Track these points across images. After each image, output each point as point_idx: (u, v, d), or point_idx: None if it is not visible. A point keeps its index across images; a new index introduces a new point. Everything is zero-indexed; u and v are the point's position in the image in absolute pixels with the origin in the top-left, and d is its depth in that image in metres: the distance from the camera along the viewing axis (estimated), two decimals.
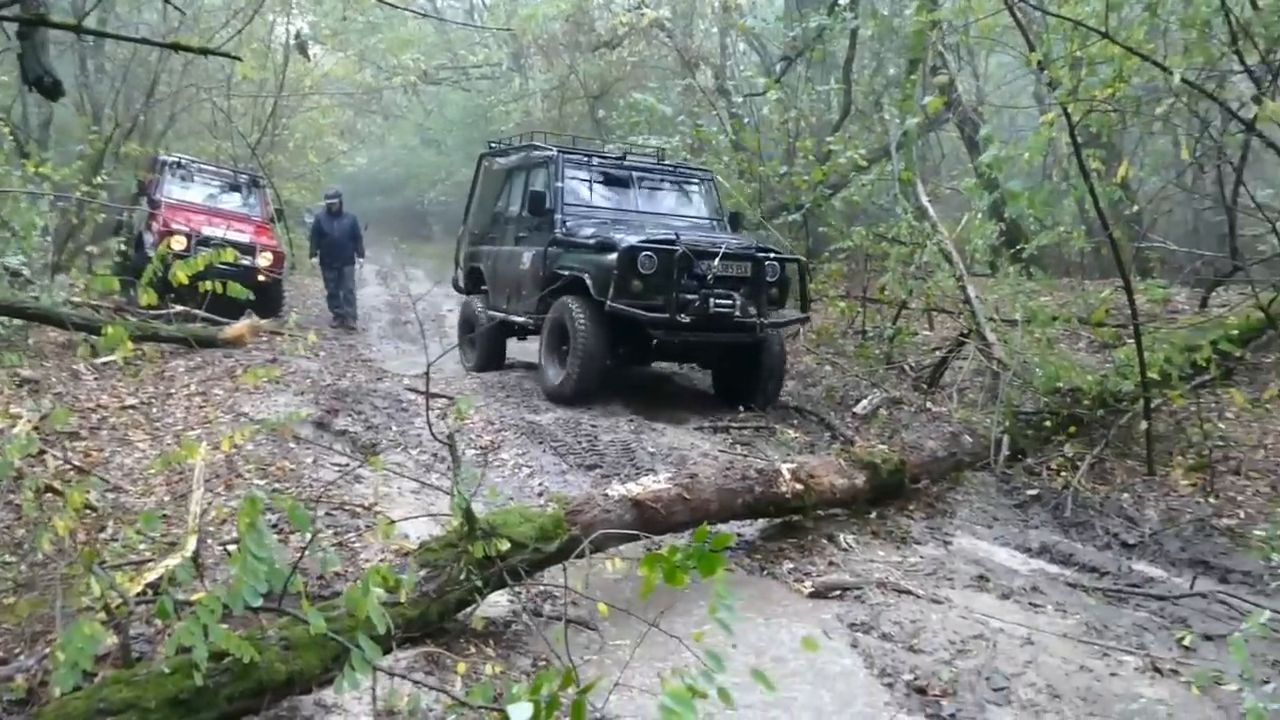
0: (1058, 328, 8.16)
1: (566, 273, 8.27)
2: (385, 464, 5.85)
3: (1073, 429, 6.88)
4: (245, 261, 10.94)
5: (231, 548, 3.60)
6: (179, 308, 9.79)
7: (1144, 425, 6.45)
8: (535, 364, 10.13)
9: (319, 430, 6.85)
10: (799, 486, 5.18)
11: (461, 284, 10.93)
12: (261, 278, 11.20)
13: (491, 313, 9.81)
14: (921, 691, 3.55)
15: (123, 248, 11.64)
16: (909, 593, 4.50)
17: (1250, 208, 8.56)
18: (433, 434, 4.05)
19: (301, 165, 21.81)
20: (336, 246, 12.71)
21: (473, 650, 3.61)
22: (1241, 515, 5.80)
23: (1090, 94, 6.27)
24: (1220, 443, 6.62)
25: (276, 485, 5.43)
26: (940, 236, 8.55)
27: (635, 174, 9.42)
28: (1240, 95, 7.48)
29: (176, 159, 12.94)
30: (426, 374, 3.90)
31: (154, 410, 7.16)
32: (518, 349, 10.42)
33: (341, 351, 10.75)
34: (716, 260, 7.81)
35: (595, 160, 9.35)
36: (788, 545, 5.12)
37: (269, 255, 11.66)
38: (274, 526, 4.56)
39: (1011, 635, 4.05)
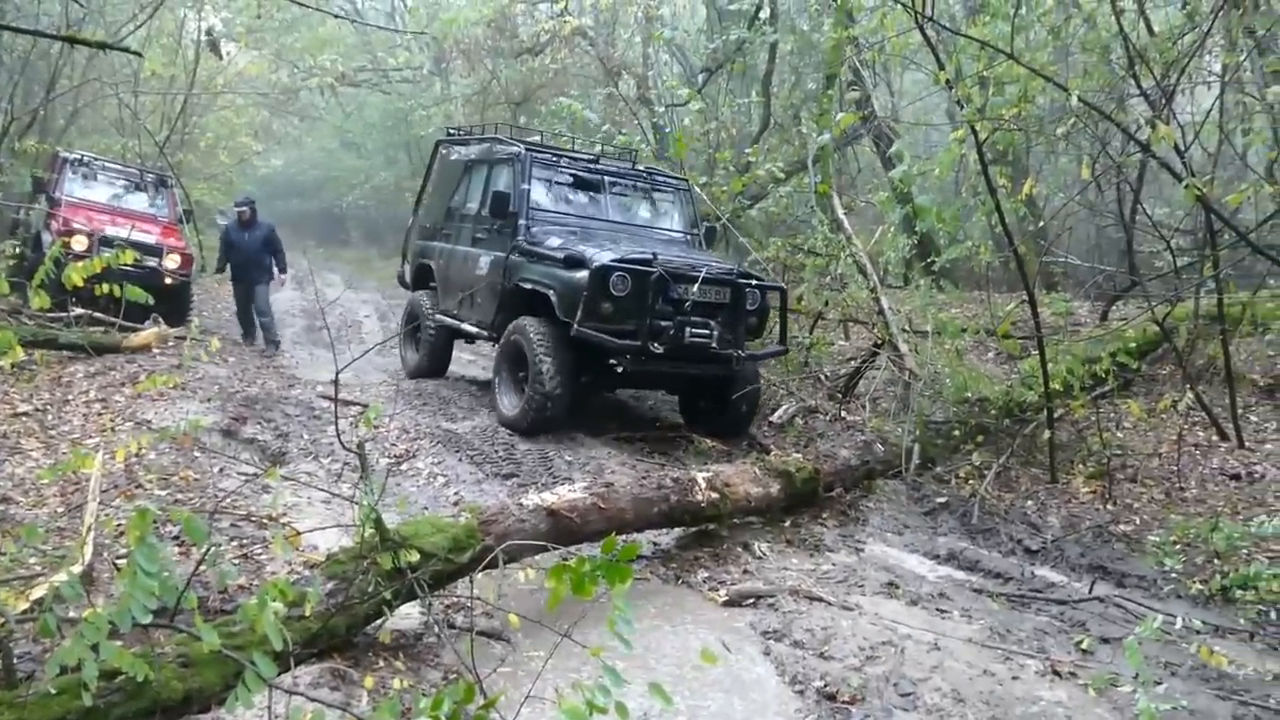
0: (966, 339, 8.39)
1: (528, 286, 7.57)
2: (294, 473, 5.73)
3: (980, 438, 7.09)
4: (151, 263, 10.58)
5: (124, 562, 3.46)
6: (79, 311, 9.42)
7: (1047, 434, 6.67)
8: (471, 375, 10.01)
9: (226, 438, 6.64)
10: (714, 495, 5.21)
11: (408, 279, 10.14)
12: (169, 280, 10.83)
13: (440, 317, 9.06)
14: (831, 698, 3.60)
15: (19, 248, 11.12)
16: (821, 600, 4.57)
17: (1147, 225, 8.92)
18: (341, 443, 3.97)
19: (214, 165, 21.16)
20: (249, 261, 11.08)
21: (381, 664, 3.53)
22: (1137, 521, 6.03)
23: (997, 113, 6.46)
24: (1118, 451, 6.87)
25: (179, 496, 5.25)
26: (855, 249, 8.70)
27: (608, 179, 8.62)
28: (1137, 118, 7.80)
29: (78, 156, 12.38)
30: (335, 380, 3.81)
31: (49, 417, 6.85)
32: (455, 355, 9.97)
33: (252, 358, 10.45)
34: (695, 285, 7.11)
35: (565, 161, 8.53)
36: (703, 554, 5.15)
37: (176, 257, 11.24)
38: (175, 539, 4.41)
39: (919, 641, 4.14)
